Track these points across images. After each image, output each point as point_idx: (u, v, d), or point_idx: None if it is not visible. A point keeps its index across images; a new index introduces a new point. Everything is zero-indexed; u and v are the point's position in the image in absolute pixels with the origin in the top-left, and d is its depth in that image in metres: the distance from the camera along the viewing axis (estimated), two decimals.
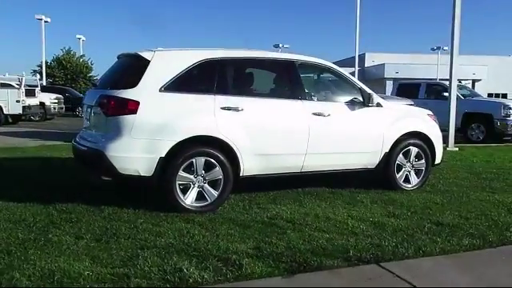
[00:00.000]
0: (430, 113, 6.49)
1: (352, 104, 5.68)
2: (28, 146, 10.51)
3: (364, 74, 55.88)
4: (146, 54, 4.83)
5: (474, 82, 42.92)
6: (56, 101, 22.41)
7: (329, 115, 5.43)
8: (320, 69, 5.79)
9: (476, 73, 43.07)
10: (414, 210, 5.08)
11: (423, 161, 6.14)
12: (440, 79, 22.72)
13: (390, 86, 49.66)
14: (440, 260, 3.67)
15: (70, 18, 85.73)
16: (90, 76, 49.00)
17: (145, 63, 4.77)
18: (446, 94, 14.64)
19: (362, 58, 58.97)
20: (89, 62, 48.41)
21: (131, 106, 4.56)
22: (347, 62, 59.79)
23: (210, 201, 4.85)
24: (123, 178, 4.68)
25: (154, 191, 4.94)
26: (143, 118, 4.58)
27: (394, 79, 36.66)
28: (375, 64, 53.34)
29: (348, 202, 5.35)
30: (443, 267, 3.55)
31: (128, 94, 4.62)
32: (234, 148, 4.90)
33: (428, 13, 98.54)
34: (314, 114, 5.36)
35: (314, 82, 5.62)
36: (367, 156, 5.78)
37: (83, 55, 48.13)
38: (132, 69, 4.97)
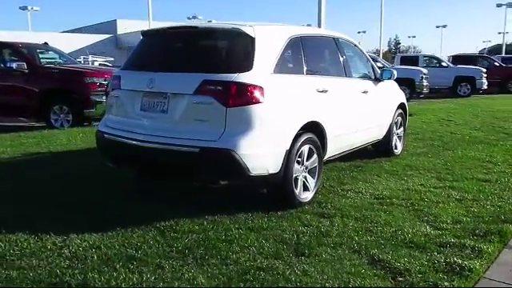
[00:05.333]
0: None
1: (374, 80, 5.97)
2: None
3: (117, 42, 54.45)
4: (248, 30, 4.05)
5: None
6: None
7: (367, 92, 5.61)
8: (350, 46, 5.82)
9: None
10: (445, 172, 5.78)
11: (402, 128, 6.92)
12: None
13: None
14: None
15: None
16: None
17: (249, 41, 4.03)
18: None
19: (112, 24, 57.22)
20: None
21: (258, 94, 3.84)
22: (97, 29, 57.16)
23: (310, 190, 4.53)
24: (249, 180, 3.94)
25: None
26: (269, 107, 3.93)
27: None
28: (130, 31, 52.20)
29: (390, 173, 5.69)
30: None
31: (250, 78, 3.85)
32: (326, 132, 4.65)
33: None
34: (362, 91, 5.46)
35: (352, 59, 5.63)
36: (382, 128, 6.22)
37: None
38: (232, 47, 4.11)
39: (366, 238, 3.64)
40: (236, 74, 3.84)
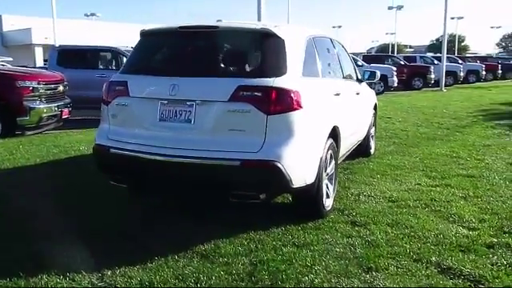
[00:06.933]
0: None
1: (358, 81, 5.95)
2: None
3: (3, 39, 49.89)
4: (277, 31, 3.75)
5: None
6: None
7: (359, 93, 5.58)
8: (340, 47, 5.70)
9: None
10: (428, 169, 5.94)
11: (374, 128, 7.02)
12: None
13: (39, 52, 45.92)
14: None
15: None
16: None
17: (280, 42, 3.75)
18: None
19: None
20: None
21: (297, 99, 3.58)
22: None
23: (330, 197, 4.37)
24: (290, 193, 3.67)
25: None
26: (305, 113, 3.69)
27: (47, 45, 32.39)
28: (18, 28, 48.15)
29: (381, 174, 5.71)
30: None
31: (288, 83, 3.58)
32: (340, 136, 4.52)
33: None
34: (356, 93, 5.42)
35: (344, 61, 5.51)
36: (365, 128, 6.23)
37: None
38: (263, 49, 3.77)
39: (415, 245, 3.56)
40: (273, 79, 3.55)
